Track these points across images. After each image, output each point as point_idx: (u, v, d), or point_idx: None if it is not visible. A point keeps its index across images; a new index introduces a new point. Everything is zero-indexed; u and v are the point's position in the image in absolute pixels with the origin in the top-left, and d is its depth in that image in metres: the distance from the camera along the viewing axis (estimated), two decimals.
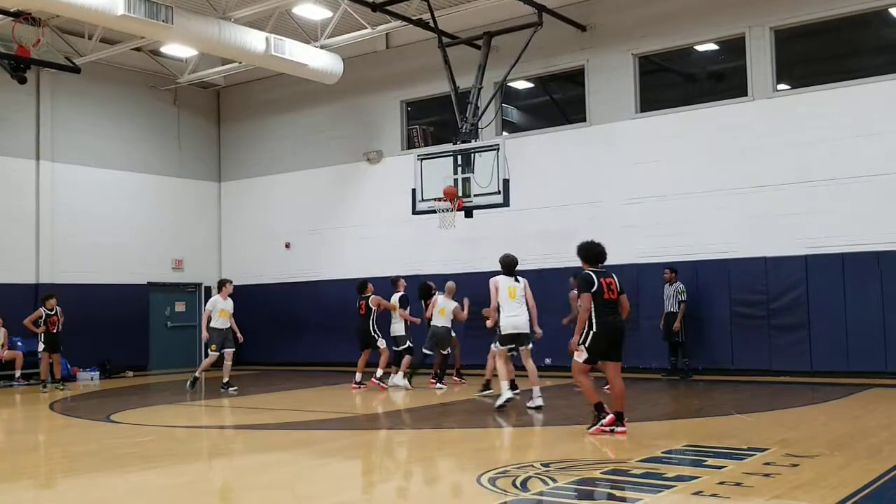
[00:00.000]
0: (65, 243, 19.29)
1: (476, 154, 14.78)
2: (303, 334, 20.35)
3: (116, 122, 20.63)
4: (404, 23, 16.70)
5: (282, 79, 20.11)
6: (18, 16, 16.10)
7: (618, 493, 6.39)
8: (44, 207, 19.13)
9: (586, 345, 8.85)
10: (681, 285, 15.19)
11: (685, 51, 16.51)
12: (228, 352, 15.02)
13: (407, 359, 14.95)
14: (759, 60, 15.26)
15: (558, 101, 18.85)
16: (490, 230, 16.79)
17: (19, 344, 17.44)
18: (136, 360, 20.28)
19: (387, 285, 15.70)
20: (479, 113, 15.73)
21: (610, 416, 8.86)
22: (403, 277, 15.81)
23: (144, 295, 20.77)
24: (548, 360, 15.63)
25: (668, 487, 6.30)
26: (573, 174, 16.99)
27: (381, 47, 19.85)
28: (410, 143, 19.23)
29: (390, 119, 19.74)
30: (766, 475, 6.63)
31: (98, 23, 15.87)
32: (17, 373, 17.18)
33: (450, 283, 15.10)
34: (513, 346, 11.40)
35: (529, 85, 18.66)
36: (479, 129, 15.78)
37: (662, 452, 7.89)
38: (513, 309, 11.16)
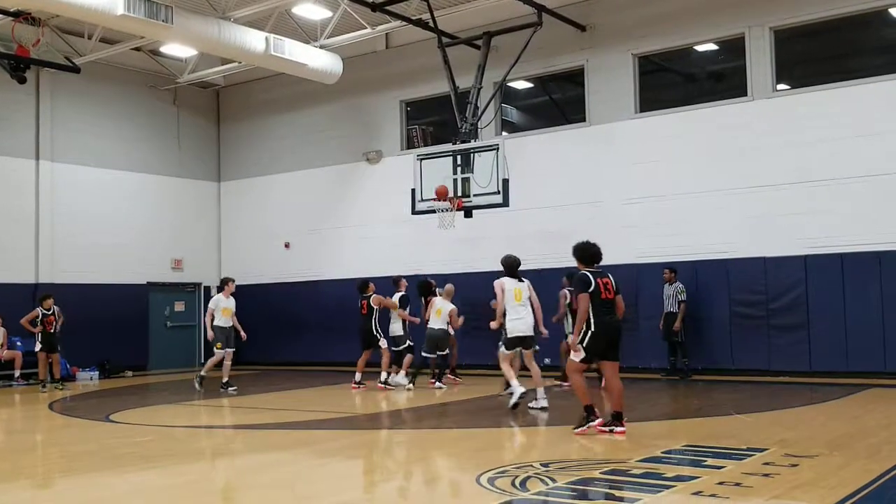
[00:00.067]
0: (64, 243, 19.29)
1: (475, 154, 14.78)
2: (302, 334, 20.35)
3: (116, 122, 20.63)
4: (404, 23, 16.70)
5: (281, 79, 20.11)
6: (18, 15, 16.10)
7: (617, 493, 6.39)
8: (43, 207, 19.13)
9: (584, 344, 8.86)
10: (680, 285, 15.19)
11: (685, 51, 16.51)
12: (228, 352, 15.00)
13: (408, 358, 14.96)
14: (759, 60, 15.26)
15: (558, 101, 18.85)
16: (489, 230, 16.80)
17: (18, 344, 17.44)
18: (136, 359, 20.29)
19: (387, 285, 15.71)
20: (479, 113, 15.73)
21: (599, 420, 8.88)
22: (404, 278, 15.82)
23: (144, 295, 20.77)
24: (547, 360, 15.61)
25: (668, 487, 6.30)
26: (573, 174, 16.99)
27: (381, 47, 19.85)
28: (410, 143, 19.23)
29: (390, 119, 19.74)
30: (766, 475, 6.64)
31: (98, 23, 15.87)
32: (17, 373, 17.19)
33: (448, 286, 15.11)
34: (518, 349, 11.39)
35: (529, 85, 18.66)
36: (479, 129, 15.78)
37: (662, 452, 7.89)
38: (518, 312, 11.10)
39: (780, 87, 15.33)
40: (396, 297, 15.14)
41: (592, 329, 8.84)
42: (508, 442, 9.49)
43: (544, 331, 11.94)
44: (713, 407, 11.72)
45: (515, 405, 10.99)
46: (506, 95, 18.30)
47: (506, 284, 11.12)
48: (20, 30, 16.47)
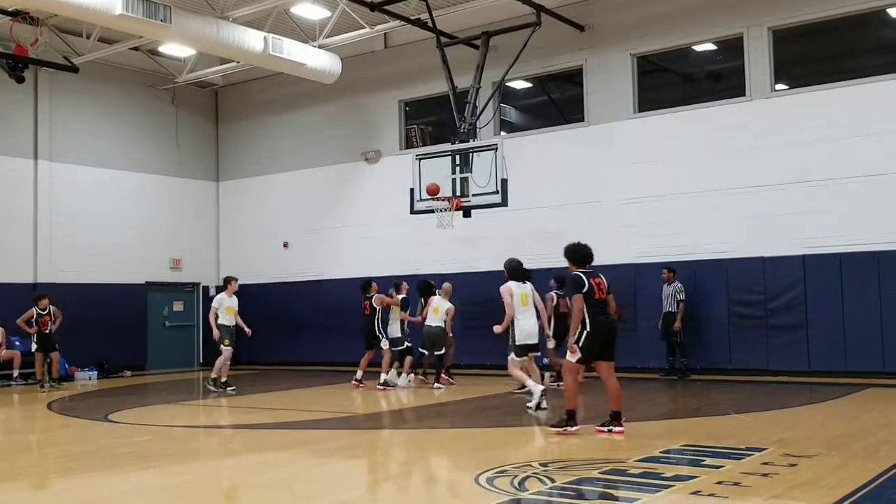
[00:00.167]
0: (63, 243, 19.28)
1: (474, 154, 14.77)
2: (301, 334, 20.34)
3: (114, 122, 20.62)
4: (402, 22, 16.70)
5: (280, 78, 20.10)
6: (16, 15, 16.09)
7: (616, 492, 6.39)
8: (42, 207, 19.10)
9: (580, 344, 8.86)
10: (679, 285, 15.20)
11: (683, 51, 16.52)
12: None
13: (409, 359, 14.99)
14: (758, 60, 15.26)
15: (556, 101, 18.84)
16: (488, 230, 16.80)
17: (17, 344, 17.42)
18: (134, 359, 20.27)
19: (387, 286, 15.69)
20: (478, 113, 15.72)
21: (577, 428, 8.90)
22: (403, 277, 15.83)
23: (142, 294, 20.76)
24: (545, 360, 15.61)
25: (666, 487, 6.31)
26: (571, 174, 16.99)
27: (380, 47, 19.84)
28: (409, 143, 19.23)
29: (389, 119, 19.73)
30: (764, 475, 6.64)
31: (96, 22, 15.86)
32: (15, 372, 17.18)
33: (446, 285, 15.14)
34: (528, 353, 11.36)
35: (528, 85, 18.66)
36: (478, 129, 15.77)
37: (660, 452, 7.90)
38: (526, 317, 11.04)
39: (779, 87, 15.34)
40: (397, 299, 15.20)
41: (588, 329, 8.85)
42: (507, 442, 9.49)
43: (549, 334, 11.93)
44: (712, 407, 11.72)
45: (538, 405, 10.84)
46: (504, 95, 18.31)
47: (513, 289, 11.03)
48: (18, 29, 16.45)
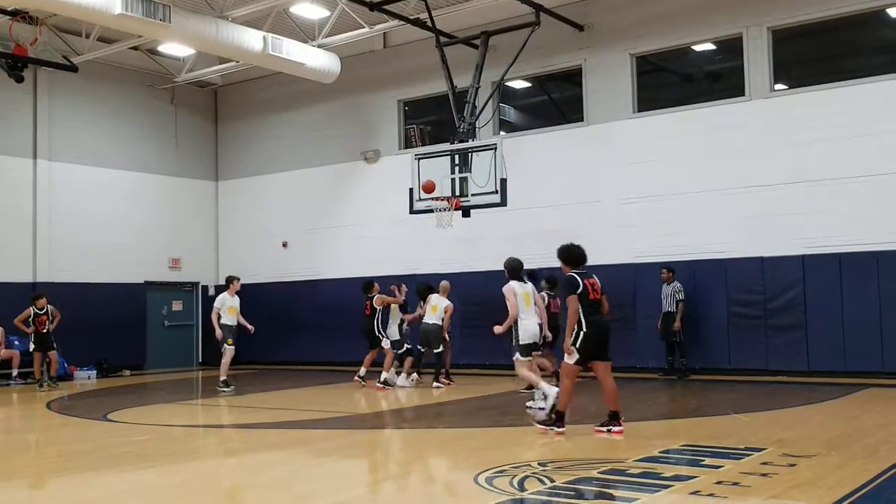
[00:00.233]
0: (62, 242, 19.27)
1: (473, 153, 14.77)
2: (300, 333, 20.33)
3: (114, 121, 20.61)
4: (402, 22, 16.70)
5: (279, 78, 20.08)
6: (16, 14, 16.09)
7: (615, 492, 6.39)
8: (41, 206, 19.09)
9: (577, 346, 8.86)
10: (678, 285, 15.20)
11: (682, 51, 16.52)
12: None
13: (409, 360, 14.99)
14: (757, 60, 15.26)
15: (556, 101, 18.84)
16: (487, 230, 16.80)
17: (16, 343, 17.41)
18: (133, 359, 20.26)
19: (388, 286, 15.68)
20: (477, 112, 15.72)
21: (563, 430, 8.89)
22: (401, 278, 15.84)
23: (141, 294, 20.75)
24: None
25: (666, 487, 6.31)
26: (570, 174, 16.99)
27: (379, 47, 19.84)
28: (408, 143, 19.22)
29: (388, 118, 19.73)
30: (764, 475, 6.64)
31: (95, 21, 15.84)
32: (14, 372, 17.16)
33: (444, 283, 15.14)
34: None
35: (527, 84, 18.66)
36: (477, 129, 15.78)
37: (660, 452, 7.89)
38: (530, 316, 11.01)
39: (778, 86, 15.34)
40: (400, 297, 15.23)
41: (584, 330, 8.85)
42: (506, 441, 9.48)
43: (548, 333, 11.93)
44: (711, 407, 11.72)
45: (554, 407, 10.77)
46: (504, 95, 18.30)
47: (516, 289, 10.99)
48: (18, 28, 16.45)
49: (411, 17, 16.56)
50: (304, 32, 18.09)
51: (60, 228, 19.26)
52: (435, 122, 19.19)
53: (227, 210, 22.60)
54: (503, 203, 14.56)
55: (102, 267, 19.82)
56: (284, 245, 21.27)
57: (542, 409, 10.90)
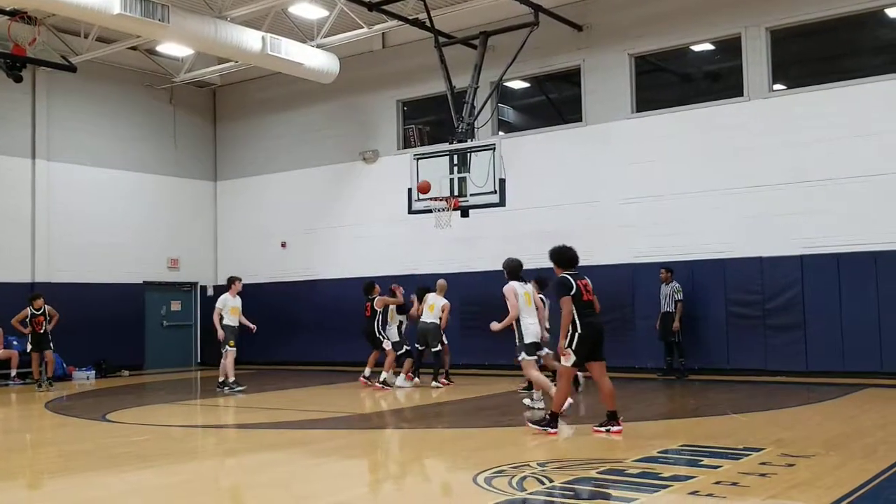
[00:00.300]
0: (60, 242, 19.26)
1: (472, 154, 14.76)
2: (298, 334, 20.32)
3: (112, 121, 20.60)
4: (400, 22, 16.70)
5: (278, 78, 20.08)
6: (14, 14, 16.09)
7: (614, 492, 6.39)
8: (39, 206, 19.08)
9: (573, 348, 8.85)
10: (677, 285, 15.20)
11: (681, 51, 16.52)
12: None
13: (408, 361, 14.99)
14: (756, 60, 15.26)
15: (554, 101, 18.84)
16: (486, 230, 16.80)
17: (15, 343, 17.40)
18: (132, 359, 20.24)
19: (388, 286, 15.68)
20: (476, 112, 15.72)
21: (556, 432, 8.90)
22: (400, 278, 15.83)
23: (140, 294, 20.74)
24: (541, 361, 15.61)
25: (665, 487, 6.31)
26: (569, 174, 16.99)
27: (378, 47, 19.84)
28: (406, 143, 19.22)
29: (386, 118, 19.72)
30: (762, 475, 6.64)
31: (94, 21, 15.83)
32: (13, 372, 17.15)
33: (441, 281, 15.15)
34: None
35: (526, 85, 18.66)
36: (476, 129, 15.78)
37: (658, 452, 7.89)
38: (532, 315, 11.00)
39: (777, 87, 15.34)
40: (400, 296, 15.23)
41: (580, 331, 8.85)
42: (505, 441, 9.48)
43: (547, 332, 11.93)
44: (710, 407, 11.73)
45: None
46: (502, 95, 18.28)
47: (517, 289, 10.97)
48: (16, 28, 16.45)
49: (410, 18, 16.56)
50: (303, 32, 18.09)
51: (59, 228, 19.25)
52: (434, 123, 19.19)
53: (225, 210, 22.60)
54: (502, 203, 14.55)
55: (101, 267, 19.81)
56: (283, 245, 21.26)
57: (542, 409, 10.93)
